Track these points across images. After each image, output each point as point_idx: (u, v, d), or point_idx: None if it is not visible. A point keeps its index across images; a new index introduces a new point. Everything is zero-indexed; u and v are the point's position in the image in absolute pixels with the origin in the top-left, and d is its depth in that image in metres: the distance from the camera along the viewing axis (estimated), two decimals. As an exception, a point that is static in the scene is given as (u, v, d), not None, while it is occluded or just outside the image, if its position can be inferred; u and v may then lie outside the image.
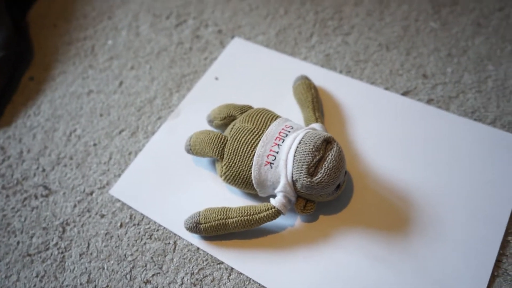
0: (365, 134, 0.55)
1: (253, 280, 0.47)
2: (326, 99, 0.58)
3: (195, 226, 0.49)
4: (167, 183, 0.55)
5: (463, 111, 0.56)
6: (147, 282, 0.48)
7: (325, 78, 0.61)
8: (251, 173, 0.48)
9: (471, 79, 0.58)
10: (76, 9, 0.75)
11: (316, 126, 0.52)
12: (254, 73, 0.63)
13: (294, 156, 0.46)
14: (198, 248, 0.50)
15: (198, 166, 0.56)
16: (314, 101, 0.55)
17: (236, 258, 0.49)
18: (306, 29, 0.66)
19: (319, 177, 0.45)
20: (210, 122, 0.56)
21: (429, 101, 0.57)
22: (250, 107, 0.54)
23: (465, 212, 0.48)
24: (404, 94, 0.58)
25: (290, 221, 0.50)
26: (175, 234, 0.51)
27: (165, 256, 0.50)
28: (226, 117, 0.54)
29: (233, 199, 0.52)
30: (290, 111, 0.58)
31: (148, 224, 0.52)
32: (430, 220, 0.48)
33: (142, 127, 0.60)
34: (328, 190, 0.46)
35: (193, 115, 0.60)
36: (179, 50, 0.67)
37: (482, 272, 0.45)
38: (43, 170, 0.58)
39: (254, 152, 0.48)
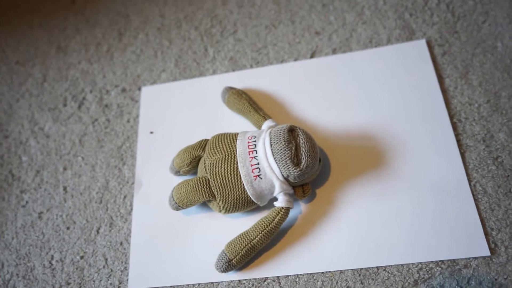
0: (308, 106, 0.61)
1: (301, 275, 0.51)
2: (256, 96, 0.63)
3: (228, 265, 0.51)
4: (174, 246, 0.55)
5: (362, 44, 0.64)
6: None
7: (243, 79, 0.64)
8: (246, 193, 0.51)
9: (352, 16, 0.66)
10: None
11: (269, 123, 0.56)
12: (181, 109, 0.64)
13: (274, 158, 0.50)
14: (239, 281, 0.52)
15: (189, 215, 0.57)
16: (251, 103, 0.59)
17: (274, 266, 0.52)
18: (198, 46, 0.69)
19: (304, 162, 0.50)
20: (177, 172, 0.57)
21: (334, 51, 0.64)
22: (206, 140, 0.56)
23: (414, 124, 0.57)
24: (312, 56, 0.64)
25: (297, 211, 0.55)
26: (212, 283, 0.53)
27: (217, 306, 0.52)
28: (192, 161, 0.55)
29: (237, 223, 0.55)
30: (237, 123, 0.61)
31: (183, 290, 0.53)
32: (397, 144, 0.56)
33: (116, 214, 0.59)
34: (315, 168, 0.51)
35: (154, 176, 0.60)
36: (99, 127, 0.66)
37: (453, 157, 0.54)
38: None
39: (239, 175, 0.51)
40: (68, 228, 0.59)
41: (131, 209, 0.59)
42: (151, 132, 0.63)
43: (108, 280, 0.55)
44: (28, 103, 0.70)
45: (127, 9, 0.75)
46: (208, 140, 0.56)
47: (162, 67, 0.68)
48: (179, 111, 0.64)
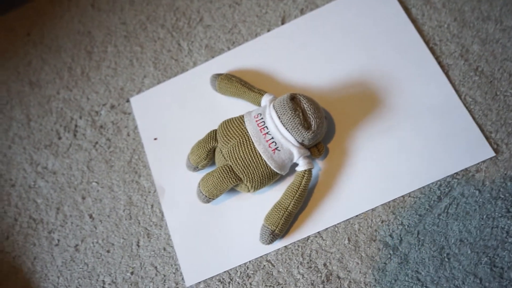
0: (295, 70, 0.63)
1: (338, 224, 0.56)
2: (243, 75, 0.64)
3: (272, 236, 0.55)
4: (215, 235, 0.59)
5: (326, -2, 0.66)
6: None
7: (225, 64, 0.66)
8: (269, 167, 0.54)
9: (307, -27, 0.68)
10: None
11: (267, 97, 0.58)
12: (176, 109, 0.66)
13: (286, 128, 0.53)
14: (285, 247, 0.57)
15: (218, 203, 0.60)
16: (243, 83, 0.61)
17: (312, 224, 0.56)
18: (170, 43, 0.69)
19: (314, 124, 0.53)
20: (195, 168, 0.60)
21: (302, 12, 0.66)
22: (214, 131, 0.58)
23: (396, 60, 0.61)
24: (283, 22, 0.66)
25: (316, 169, 0.58)
26: (261, 257, 0.57)
27: (274, 276, 0.56)
28: (208, 154, 0.58)
29: (265, 197, 0.58)
30: (234, 106, 0.63)
31: (238, 272, 0.57)
32: (386, 82, 0.60)
33: (150, 224, 0.61)
34: (324, 126, 0.55)
35: (173, 179, 0.62)
36: (102, 149, 0.66)
37: (439, 78, 0.58)
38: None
39: (258, 153, 0.54)
40: (108, 251, 0.61)
41: (162, 215, 0.61)
42: (155, 139, 0.65)
43: (165, 285, 0.58)
44: (21, 146, 0.69)
45: (86, 26, 0.73)
46: (216, 130, 0.58)
47: (142, 73, 0.69)
48: (174, 111, 0.66)
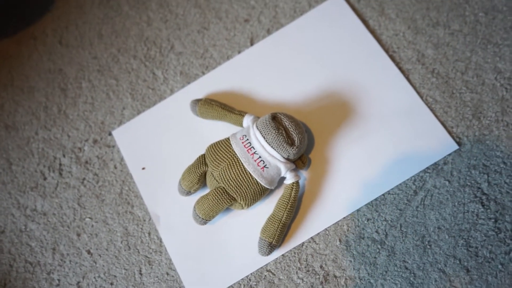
0: (270, 88, 0.67)
1: (328, 227, 0.60)
2: (221, 98, 0.68)
3: (270, 248, 0.58)
4: (215, 253, 0.62)
5: (290, 17, 0.70)
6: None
7: (201, 88, 0.69)
8: (260, 184, 0.58)
9: (268, -6, 0.72)
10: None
11: (247, 117, 0.62)
12: (160, 137, 0.68)
13: (271, 147, 0.57)
14: (283, 255, 0.61)
15: (214, 222, 0.63)
16: (223, 106, 0.64)
17: (304, 231, 0.61)
18: (145, 73, 0.71)
19: (297, 139, 0.57)
20: (188, 193, 0.62)
21: (269, 32, 0.70)
22: (202, 155, 0.61)
23: (361, 69, 0.66)
24: (252, 43, 0.70)
25: (302, 179, 0.63)
26: (262, 268, 0.60)
27: (276, 284, 0.60)
28: (199, 179, 0.60)
29: (258, 209, 0.62)
30: (217, 128, 0.66)
31: (242, 285, 0.60)
32: (354, 91, 0.65)
33: (149, 252, 0.63)
34: (305, 140, 0.59)
35: (166, 205, 0.65)
36: (90, 185, 0.67)
37: (401, 83, 0.64)
38: None
39: (248, 173, 0.57)
40: (112, 284, 0.63)
41: (160, 241, 0.63)
42: (143, 168, 0.67)
43: (172, 308, 0.61)
44: (6, 192, 0.69)
45: (56, 64, 0.74)
46: (204, 154, 0.61)
47: (121, 105, 0.70)
48: (158, 139, 0.68)
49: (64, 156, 0.69)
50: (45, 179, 0.69)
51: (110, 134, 0.69)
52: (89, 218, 0.66)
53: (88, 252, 0.65)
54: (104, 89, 0.72)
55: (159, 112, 0.69)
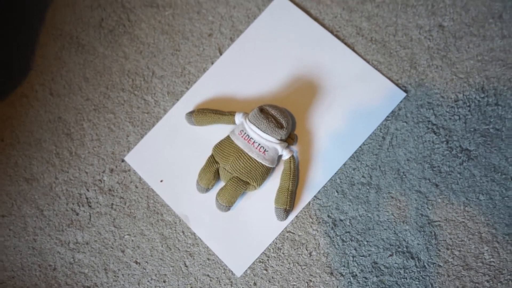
0: (251, 88, 0.79)
1: (327, 182, 0.75)
2: (210, 105, 0.79)
3: (286, 213, 0.72)
4: (242, 231, 0.75)
5: (246, 23, 0.82)
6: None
7: (190, 101, 0.80)
8: (265, 166, 0.71)
9: (222, 8, 0.84)
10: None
11: (238, 115, 0.74)
12: (168, 151, 0.79)
13: (266, 133, 0.70)
14: (296, 216, 0.74)
15: (236, 207, 0.75)
16: (215, 111, 0.76)
17: (308, 191, 0.75)
18: (136, 101, 0.81)
19: (285, 122, 0.71)
20: (207, 190, 0.74)
21: (232, 40, 0.82)
22: (211, 156, 0.73)
23: (317, 53, 0.79)
24: (221, 53, 0.82)
25: (295, 152, 0.76)
26: (283, 231, 0.74)
27: (297, 240, 0.73)
28: (214, 175, 0.73)
29: (266, 187, 0.75)
30: (214, 131, 0.78)
31: (270, 249, 0.74)
32: (317, 71, 0.79)
33: (188, 246, 0.75)
34: (291, 121, 0.73)
35: (190, 204, 0.76)
36: (120, 207, 0.78)
37: (350, 55, 0.79)
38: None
39: (253, 159, 0.70)
40: (165, 281, 0.75)
41: (194, 235, 0.75)
42: (161, 181, 0.78)
43: (220, 284, 0.73)
44: (46, 235, 0.78)
45: (54, 114, 0.82)
46: (212, 154, 0.73)
47: (124, 134, 0.80)
48: (167, 153, 0.79)
49: (88, 190, 0.79)
50: (77, 214, 0.78)
51: (123, 160, 0.80)
52: (128, 235, 0.77)
53: (136, 262, 0.76)
54: (105, 124, 0.81)
55: (160, 130, 0.80)
